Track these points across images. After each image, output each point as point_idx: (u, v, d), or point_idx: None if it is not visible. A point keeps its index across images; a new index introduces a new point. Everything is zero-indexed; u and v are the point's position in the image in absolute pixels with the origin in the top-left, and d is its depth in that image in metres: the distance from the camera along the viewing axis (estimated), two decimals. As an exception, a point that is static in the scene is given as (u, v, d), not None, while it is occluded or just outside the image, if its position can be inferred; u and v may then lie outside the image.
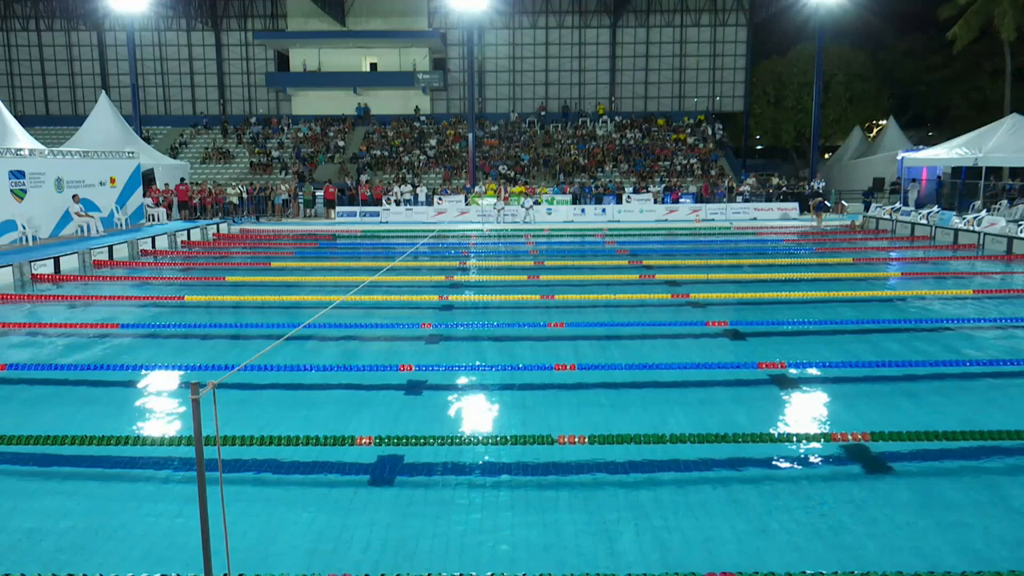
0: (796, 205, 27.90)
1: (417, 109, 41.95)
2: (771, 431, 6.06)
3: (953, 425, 5.67)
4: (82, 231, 19.36)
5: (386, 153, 37.94)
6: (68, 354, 9.14)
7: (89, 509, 4.92)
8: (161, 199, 26.30)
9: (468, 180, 31.86)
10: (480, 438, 5.92)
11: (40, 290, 13.51)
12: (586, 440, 5.53)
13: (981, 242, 18.13)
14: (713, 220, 26.53)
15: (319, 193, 29.31)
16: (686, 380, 7.49)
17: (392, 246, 19.87)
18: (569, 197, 28.56)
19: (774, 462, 5.51)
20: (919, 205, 24.23)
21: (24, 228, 17.51)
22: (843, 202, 29.62)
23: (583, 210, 27.79)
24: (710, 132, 39.56)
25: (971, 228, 18.77)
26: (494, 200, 27.60)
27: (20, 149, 18.24)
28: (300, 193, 29.34)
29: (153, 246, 18.79)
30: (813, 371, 7.78)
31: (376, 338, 9.85)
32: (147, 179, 26.81)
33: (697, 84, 42.07)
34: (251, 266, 16.84)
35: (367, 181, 32.44)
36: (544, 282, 13.99)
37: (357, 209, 27.99)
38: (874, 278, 14.57)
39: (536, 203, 27.44)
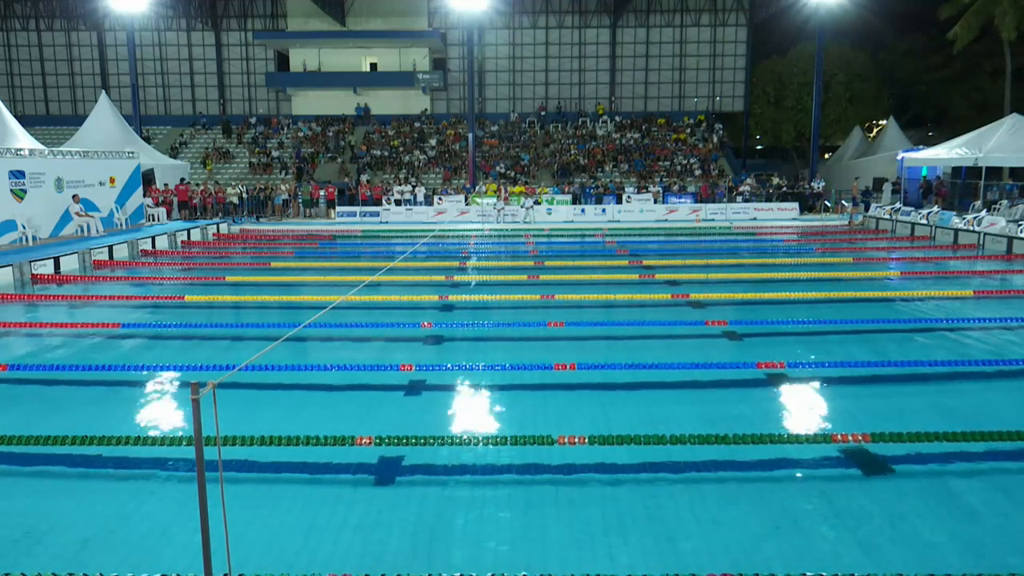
0: (796, 205, 27.93)
1: (425, 111, 41.91)
2: (771, 432, 6.05)
3: (954, 426, 5.67)
4: (82, 231, 19.36)
5: (386, 153, 37.94)
6: (68, 354, 9.14)
7: (89, 509, 4.92)
8: (161, 199, 26.32)
9: (468, 180, 31.86)
10: (480, 438, 5.92)
11: (40, 290, 13.50)
12: (586, 440, 5.53)
13: (981, 242, 18.13)
14: (713, 220, 26.53)
15: (321, 192, 29.31)
16: (686, 380, 7.50)
17: (392, 246, 19.87)
18: (569, 197, 28.57)
19: (774, 463, 5.50)
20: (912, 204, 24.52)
21: (24, 228, 17.51)
22: (843, 202, 29.64)
23: (583, 210, 27.79)
24: (710, 132, 39.56)
25: (971, 228, 18.77)
26: (494, 200, 27.60)
27: (20, 149, 18.24)
28: (299, 193, 29.35)
29: (153, 246, 18.80)
30: (813, 371, 7.78)
31: (376, 338, 9.85)
32: (147, 179, 26.81)
33: (697, 84, 42.04)
34: (251, 266, 16.84)
35: (367, 181, 32.45)
36: (544, 282, 13.99)
37: (357, 209, 27.99)
38: (874, 278, 14.57)
39: (536, 203, 27.44)
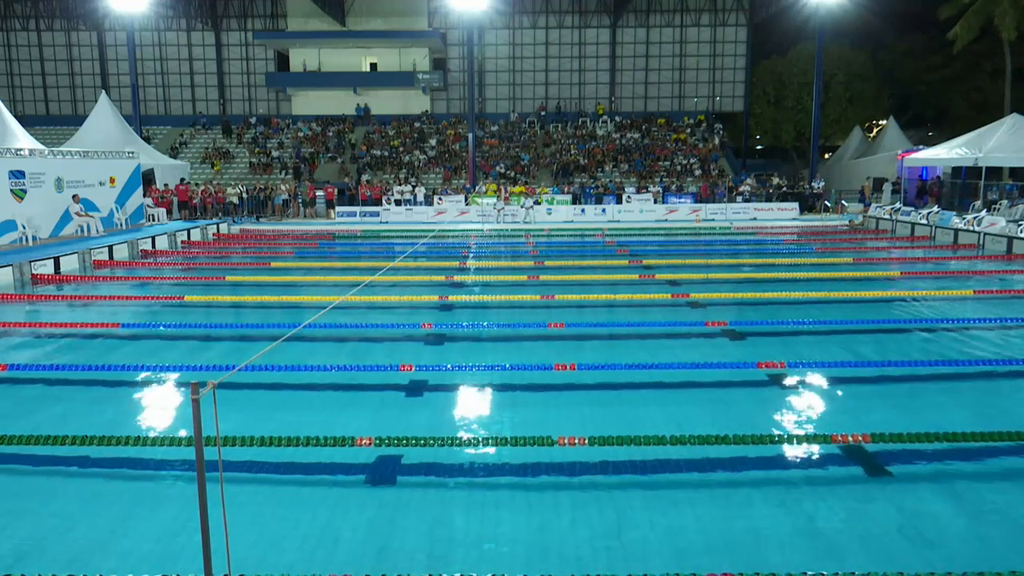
0: (796, 205, 27.93)
1: (425, 111, 41.88)
2: (771, 432, 6.05)
3: (953, 426, 5.67)
4: (82, 231, 19.36)
5: (386, 153, 37.94)
6: (68, 354, 9.14)
7: (89, 509, 4.92)
8: (161, 198, 26.30)
9: (468, 180, 31.86)
10: (480, 438, 5.92)
11: (40, 290, 13.50)
12: (586, 441, 5.53)
13: (981, 242, 18.13)
14: (713, 220, 26.53)
15: (319, 193, 29.33)
16: (686, 380, 7.49)
17: (392, 246, 19.87)
18: (569, 197, 28.56)
19: (774, 463, 5.51)
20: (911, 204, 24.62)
21: (24, 228, 17.51)
22: (843, 202, 29.66)
23: (583, 210, 27.78)
24: (710, 132, 39.56)
25: (971, 228, 18.77)
26: (494, 200, 27.60)
27: (20, 149, 18.24)
28: (299, 193, 29.35)
29: (153, 246, 18.79)
30: (813, 371, 7.78)
31: (376, 338, 9.85)
32: (147, 179, 26.81)
33: (697, 84, 42.04)
34: (251, 266, 16.84)
35: (367, 181, 32.45)
36: (544, 282, 13.99)
37: (357, 209, 27.99)
38: (874, 278, 14.57)
39: (536, 203, 27.44)
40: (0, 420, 6.60)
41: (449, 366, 8.27)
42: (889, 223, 22.26)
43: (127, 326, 10.32)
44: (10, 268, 13.82)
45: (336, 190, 29.73)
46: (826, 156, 45.05)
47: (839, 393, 7.29)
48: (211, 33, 42.71)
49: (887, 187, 28.22)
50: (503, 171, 35.13)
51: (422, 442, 5.63)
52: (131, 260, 17.37)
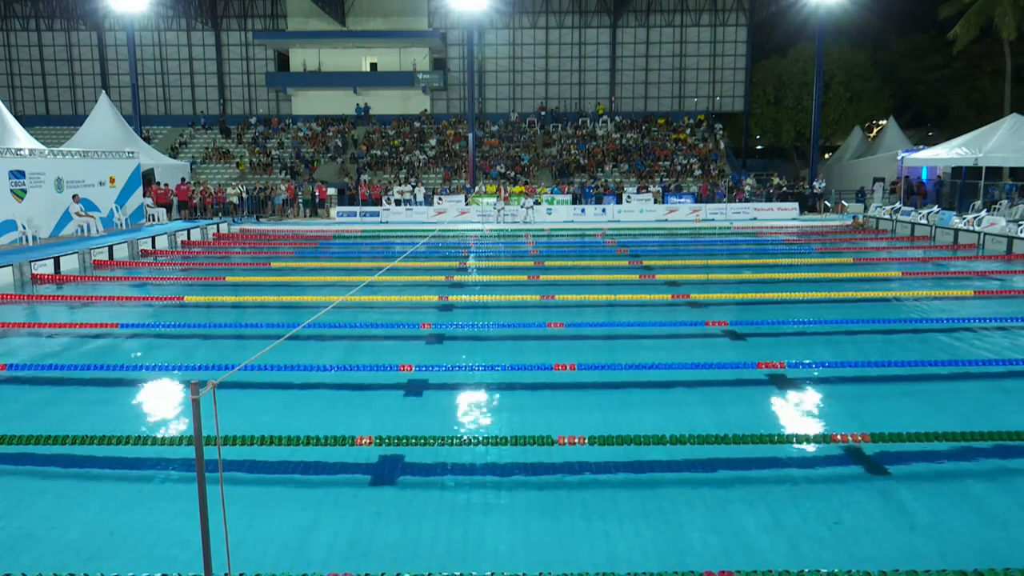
0: (796, 205, 27.94)
1: (425, 111, 41.85)
2: (771, 432, 6.05)
3: (953, 426, 5.67)
4: (82, 231, 19.36)
5: (386, 153, 37.94)
6: (68, 354, 9.14)
7: (89, 509, 4.92)
8: (163, 187, 26.31)
9: (468, 180, 31.86)
10: (480, 438, 5.91)
11: (40, 290, 13.50)
12: (586, 440, 5.53)
13: (981, 242, 18.13)
14: (713, 220, 26.53)
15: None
16: (686, 380, 7.49)
17: (392, 246, 19.87)
18: (569, 197, 28.57)
19: (774, 463, 5.50)
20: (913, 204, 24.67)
21: (24, 228, 17.51)
22: (843, 202, 29.66)
23: (583, 210, 27.79)
24: (710, 132, 39.56)
25: (971, 228, 18.77)
26: (494, 200, 27.60)
27: (20, 149, 18.24)
28: (300, 193, 29.35)
29: (153, 246, 18.80)
30: (813, 371, 7.78)
31: (376, 338, 9.85)
32: (147, 179, 26.81)
33: (697, 84, 42.05)
34: (251, 266, 16.84)
35: (367, 181, 32.46)
36: (544, 282, 13.99)
37: (357, 209, 28.00)
38: (874, 278, 14.57)
39: (536, 203, 27.44)
40: (0, 420, 6.61)
41: (449, 366, 8.26)
42: (889, 223, 22.27)
43: (127, 326, 10.31)
44: (10, 268, 13.82)
45: (329, 190, 29.72)
46: (826, 156, 45.05)
47: (839, 393, 7.28)
48: (211, 33, 42.71)
49: (879, 187, 28.30)
50: (503, 171, 35.13)
51: (422, 442, 5.63)
52: (131, 260, 17.37)
